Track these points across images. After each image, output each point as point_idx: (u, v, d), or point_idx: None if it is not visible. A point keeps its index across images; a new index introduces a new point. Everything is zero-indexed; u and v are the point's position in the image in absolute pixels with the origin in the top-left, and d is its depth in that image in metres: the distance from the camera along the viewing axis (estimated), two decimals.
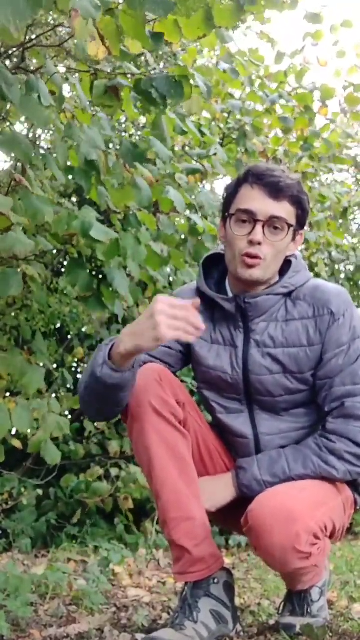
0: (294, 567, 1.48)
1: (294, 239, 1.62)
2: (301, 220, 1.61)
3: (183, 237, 3.39)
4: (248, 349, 1.62)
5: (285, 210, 1.56)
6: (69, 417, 3.75)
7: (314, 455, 1.57)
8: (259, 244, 1.54)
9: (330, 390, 1.57)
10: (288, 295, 1.61)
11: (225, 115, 4.01)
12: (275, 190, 1.54)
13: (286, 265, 1.64)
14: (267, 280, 1.60)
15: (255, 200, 1.55)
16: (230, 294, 1.66)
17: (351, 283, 5.50)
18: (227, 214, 1.62)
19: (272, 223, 1.55)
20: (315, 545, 1.48)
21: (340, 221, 5.04)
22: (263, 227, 1.54)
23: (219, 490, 1.64)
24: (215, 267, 1.72)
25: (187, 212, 3.31)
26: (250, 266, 1.55)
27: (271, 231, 1.55)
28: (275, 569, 1.62)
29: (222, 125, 4.05)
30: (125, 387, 1.49)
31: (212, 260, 1.71)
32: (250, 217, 1.55)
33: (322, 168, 4.44)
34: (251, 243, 1.54)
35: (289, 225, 1.57)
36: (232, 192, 1.62)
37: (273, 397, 1.63)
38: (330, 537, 1.58)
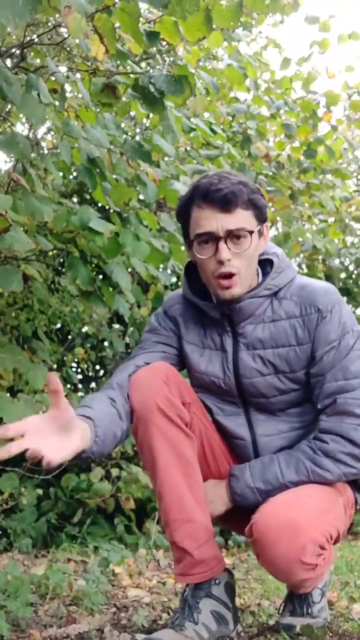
0: (300, 578, 1.47)
1: (260, 235, 1.58)
2: (260, 217, 1.57)
3: None
4: (238, 353, 1.61)
5: (240, 218, 1.51)
6: None
7: (307, 459, 1.54)
8: (229, 260, 1.51)
9: (322, 387, 1.55)
10: (274, 295, 1.59)
11: (229, 118, 4.00)
12: (225, 203, 1.49)
13: (269, 265, 1.61)
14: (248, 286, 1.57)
15: (208, 219, 1.51)
16: (215, 299, 1.63)
17: (352, 282, 5.49)
18: (187, 240, 1.59)
19: (233, 235, 1.51)
20: (320, 556, 1.47)
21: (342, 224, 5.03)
22: (225, 242, 1.51)
23: (216, 499, 1.62)
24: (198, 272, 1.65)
25: None
26: (228, 287, 1.53)
27: (235, 242, 1.51)
28: (280, 580, 1.62)
29: (225, 129, 4.03)
30: None
31: (194, 266, 1.65)
32: (210, 238, 1.52)
33: (325, 182, 4.42)
34: (220, 263, 1.51)
35: (250, 232, 1.52)
36: (185, 217, 1.58)
37: (267, 399, 1.62)
38: (334, 543, 1.56)
